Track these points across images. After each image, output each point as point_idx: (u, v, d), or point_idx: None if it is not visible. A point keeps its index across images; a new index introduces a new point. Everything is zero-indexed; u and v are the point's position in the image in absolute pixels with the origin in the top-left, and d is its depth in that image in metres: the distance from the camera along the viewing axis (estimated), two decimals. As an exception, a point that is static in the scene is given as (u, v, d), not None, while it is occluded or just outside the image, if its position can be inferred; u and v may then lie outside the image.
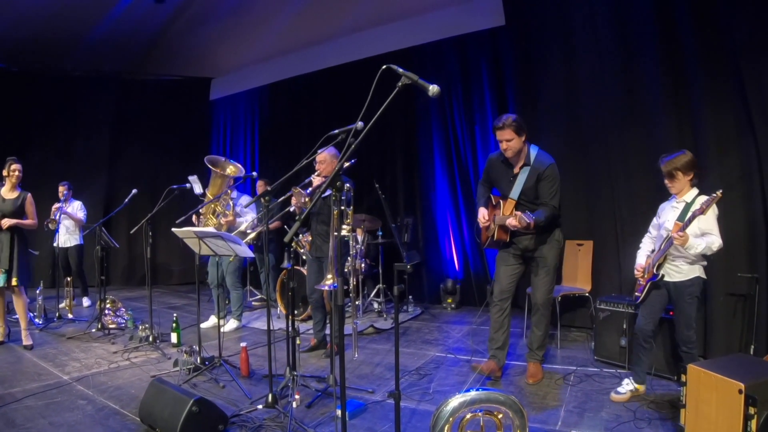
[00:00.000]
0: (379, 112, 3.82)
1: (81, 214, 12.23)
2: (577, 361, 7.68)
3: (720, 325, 7.46)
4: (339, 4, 12.17)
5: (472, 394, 4.19)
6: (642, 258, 6.41)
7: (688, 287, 5.88)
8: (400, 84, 3.91)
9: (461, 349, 8.52)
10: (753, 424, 4.22)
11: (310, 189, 7.04)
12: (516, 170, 6.77)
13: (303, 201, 7.04)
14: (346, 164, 4.51)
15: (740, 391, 4.29)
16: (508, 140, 6.54)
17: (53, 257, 12.11)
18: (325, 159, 7.69)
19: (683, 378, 4.99)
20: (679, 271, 5.92)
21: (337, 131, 5.58)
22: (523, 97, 10.49)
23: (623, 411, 5.84)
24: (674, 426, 5.35)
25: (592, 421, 5.65)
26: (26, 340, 8.80)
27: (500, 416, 4.24)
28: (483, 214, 6.87)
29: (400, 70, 3.94)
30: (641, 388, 6.21)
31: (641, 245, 6.58)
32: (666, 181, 6.03)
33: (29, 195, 8.89)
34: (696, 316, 6.00)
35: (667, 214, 6.11)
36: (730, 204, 7.33)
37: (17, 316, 8.94)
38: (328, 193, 6.52)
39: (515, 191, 6.70)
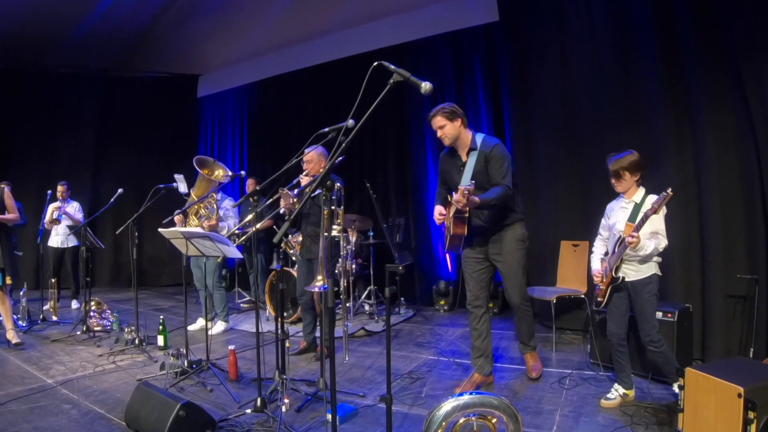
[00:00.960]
0: (370, 110, 3.81)
1: (79, 215, 12.22)
2: (572, 365, 7.68)
3: (718, 327, 7.45)
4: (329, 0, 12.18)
5: (466, 398, 4.18)
6: (597, 263, 6.44)
7: (647, 285, 5.90)
8: (391, 81, 3.91)
9: (454, 352, 8.51)
10: (752, 428, 4.20)
11: (297, 190, 7.03)
12: (464, 158, 6.73)
13: (291, 202, 7.03)
14: (336, 161, 4.50)
15: (739, 395, 4.27)
16: (441, 127, 6.57)
17: (37, 258, 12.09)
18: (313, 158, 7.69)
19: (681, 381, 4.99)
20: (637, 270, 5.94)
21: (327, 129, 5.55)
22: (517, 95, 10.52)
23: (620, 415, 5.82)
24: (672, 431, 5.34)
25: (588, 425, 5.63)
26: (15, 339, 8.78)
27: (494, 421, 4.22)
28: (439, 210, 6.78)
29: (392, 66, 3.93)
30: (630, 393, 6.19)
31: (594, 249, 6.61)
32: (612, 181, 6.07)
33: (7, 189, 8.85)
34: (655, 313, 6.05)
35: (617, 215, 6.15)
36: (728, 204, 7.35)
37: (1, 317, 8.92)
38: (317, 192, 6.52)
39: (465, 178, 6.59)
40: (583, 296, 8.67)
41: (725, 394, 4.42)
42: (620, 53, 8.80)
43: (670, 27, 8.13)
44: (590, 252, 6.67)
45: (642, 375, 6.72)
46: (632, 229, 5.62)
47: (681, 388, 4.99)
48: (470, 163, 6.63)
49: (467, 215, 6.58)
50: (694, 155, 7.85)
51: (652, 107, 8.39)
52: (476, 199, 6.06)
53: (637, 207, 5.87)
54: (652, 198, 5.71)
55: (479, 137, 6.70)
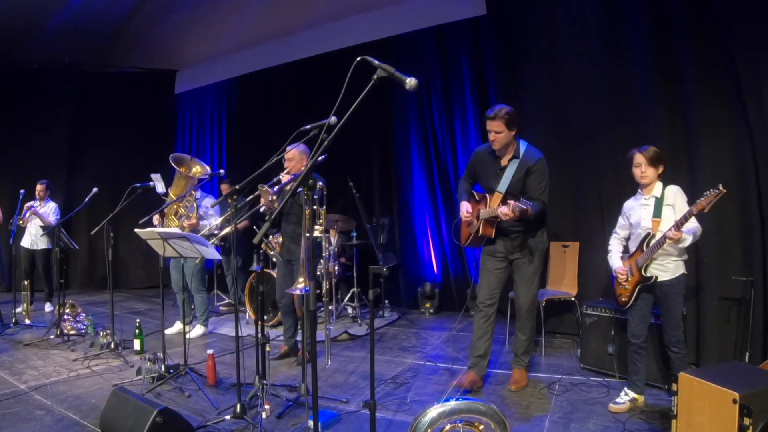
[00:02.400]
0: (353, 107, 3.82)
1: (53, 217, 12.09)
2: (562, 369, 7.67)
3: (713, 330, 7.42)
4: (311, -7, 12.17)
5: (452, 404, 4.16)
6: (618, 260, 6.42)
7: (675, 285, 5.93)
8: (375, 77, 3.91)
9: (440, 357, 8.50)
10: (748, 435, 4.21)
11: (277, 188, 6.99)
12: (504, 162, 6.73)
13: (270, 200, 7.00)
14: (319, 159, 4.48)
15: (735, 401, 4.27)
16: (498, 132, 6.51)
17: (10, 259, 12.03)
18: (294, 156, 7.66)
19: (674, 387, 4.98)
20: (666, 270, 5.94)
21: (309, 126, 5.54)
22: (505, 91, 10.45)
23: (611, 422, 5.82)
24: (665, 437, 5.35)
25: (579, 432, 5.65)
26: None
27: (481, 427, 4.21)
28: (466, 208, 6.80)
29: (376, 62, 3.94)
30: (640, 398, 6.18)
31: (611, 248, 6.59)
32: (641, 170, 6.03)
33: None
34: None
35: (639, 213, 6.17)
36: (723, 203, 7.33)
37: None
38: (298, 191, 6.49)
39: (503, 184, 6.63)
40: (573, 299, 8.67)
41: (720, 400, 4.42)
42: (611, 48, 8.77)
43: (663, 20, 8.11)
44: (608, 251, 6.61)
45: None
46: (659, 225, 5.82)
47: (674, 393, 4.98)
48: (510, 169, 6.67)
49: (497, 220, 6.61)
50: (688, 153, 7.84)
51: (644, 104, 8.37)
52: (527, 209, 6.01)
53: (659, 201, 5.94)
54: (673, 189, 5.84)
55: (523, 145, 6.73)
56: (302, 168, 7.48)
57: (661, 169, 6.00)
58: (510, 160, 6.69)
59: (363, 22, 12.92)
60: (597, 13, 8.93)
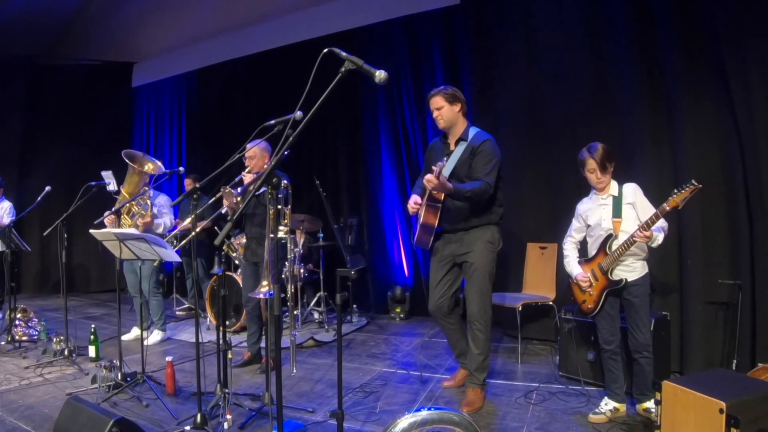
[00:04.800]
0: (320, 101, 3.81)
1: (8, 218, 11.93)
2: (539, 377, 7.66)
3: (698, 337, 7.43)
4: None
5: (423, 414, 4.12)
6: (577, 267, 6.40)
7: (643, 285, 5.95)
8: (343, 69, 3.90)
9: (411, 364, 8.46)
10: (736, 446, 4.20)
11: (240, 188, 6.94)
12: (452, 147, 6.76)
13: (235, 201, 6.95)
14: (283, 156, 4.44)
15: (721, 411, 4.25)
16: (439, 108, 6.60)
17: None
18: (256, 154, 7.65)
19: (657, 396, 4.97)
20: (633, 270, 5.96)
21: (273, 122, 5.48)
22: (479, 84, 10.49)
23: (591, 433, 5.81)
24: (647, 449, 5.34)
25: (557, 443, 5.64)
26: None
27: (455, 439, 4.19)
28: (414, 199, 6.78)
29: (344, 54, 3.93)
30: (621, 407, 6.15)
31: (567, 253, 6.59)
32: (596, 177, 6.04)
33: None
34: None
35: (597, 213, 6.18)
36: (709, 203, 7.35)
37: None
38: (262, 190, 6.45)
39: (448, 167, 6.58)
40: (551, 303, 8.67)
41: (706, 410, 4.41)
42: (591, 38, 8.81)
43: (645, 9, 8.13)
44: (564, 257, 6.62)
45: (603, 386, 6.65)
46: (621, 225, 5.83)
47: (657, 403, 4.97)
48: (456, 152, 6.66)
49: (441, 204, 6.54)
50: (672, 148, 7.87)
51: (625, 96, 8.40)
52: (449, 184, 6.05)
53: (617, 200, 5.94)
54: (631, 187, 5.87)
55: (473, 130, 6.73)
56: (264, 166, 7.49)
57: (613, 167, 6.01)
58: (457, 143, 6.72)
59: (330, 12, 12.85)
60: (577, 3, 8.94)
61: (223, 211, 7.35)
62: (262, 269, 7.06)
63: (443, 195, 6.41)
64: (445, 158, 6.64)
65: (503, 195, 6.86)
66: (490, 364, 7.08)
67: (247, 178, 7.26)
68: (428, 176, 5.96)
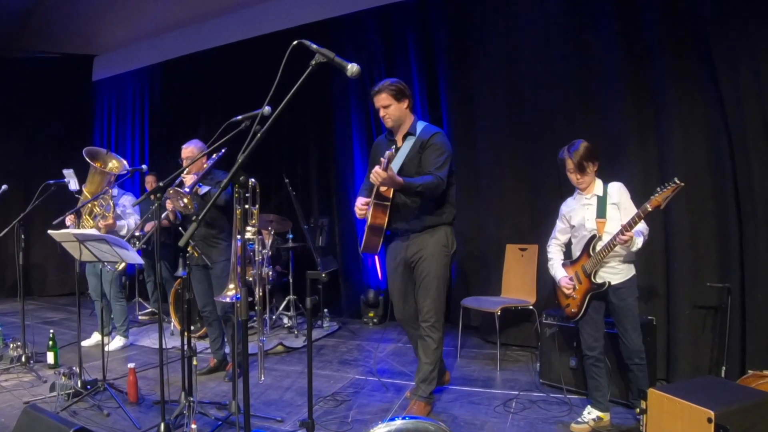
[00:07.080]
0: (289, 95, 3.81)
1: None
2: (519, 385, 7.65)
3: (686, 342, 7.43)
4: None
5: (398, 423, 4.11)
6: (561, 270, 6.39)
7: (630, 288, 5.96)
8: (313, 62, 3.91)
9: (385, 371, 8.48)
10: (725, 457, 4.19)
11: (188, 188, 6.89)
12: (399, 143, 6.67)
13: (183, 203, 6.87)
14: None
15: (710, 420, 4.26)
16: (386, 106, 6.47)
17: None
18: (193, 153, 7.70)
19: (643, 404, 4.96)
20: (618, 272, 5.97)
21: (240, 117, 5.47)
22: (456, 79, 10.49)
23: (574, 443, 5.81)
24: (633, 460, 5.34)
25: (538, 454, 5.63)
26: None
27: (431, 450, 4.17)
28: (362, 201, 6.66)
29: (314, 46, 3.94)
30: (605, 416, 6.12)
31: (551, 256, 6.58)
32: (576, 177, 6.07)
33: None
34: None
35: (581, 214, 6.18)
36: (697, 202, 7.35)
37: None
38: (206, 190, 6.42)
39: (396, 164, 6.45)
40: (531, 307, 8.65)
41: (693, 419, 4.41)
42: (573, 31, 8.82)
43: (630, 2, 8.13)
44: (548, 259, 6.61)
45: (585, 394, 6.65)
46: (605, 226, 5.81)
47: (643, 412, 4.96)
48: (404, 148, 6.57)
49: (390, 203, 6.38)
50: (658, 146, 7.88)
51: (609, 92, 8.41)
52: (399, 178, 5.96)
53: (602, 200, 5.93)
54: (616, 186, 5.85)
55: (420, 124, 6.66)
56: (204, 166, 7.45)
57: (597, 166, 6.01)
58: (405, 138, 6.64)
59: (300, 2, 12.81)
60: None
61: (169, 216, 7.33)
62: (215, 272, 7.09)
63: (392, 192, 6.28)
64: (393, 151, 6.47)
65: (456, 193, 6.83)
66: (436, 378, 6.78)
67: (188, 179, 7.25)
68: (376, 169, 5.83)
